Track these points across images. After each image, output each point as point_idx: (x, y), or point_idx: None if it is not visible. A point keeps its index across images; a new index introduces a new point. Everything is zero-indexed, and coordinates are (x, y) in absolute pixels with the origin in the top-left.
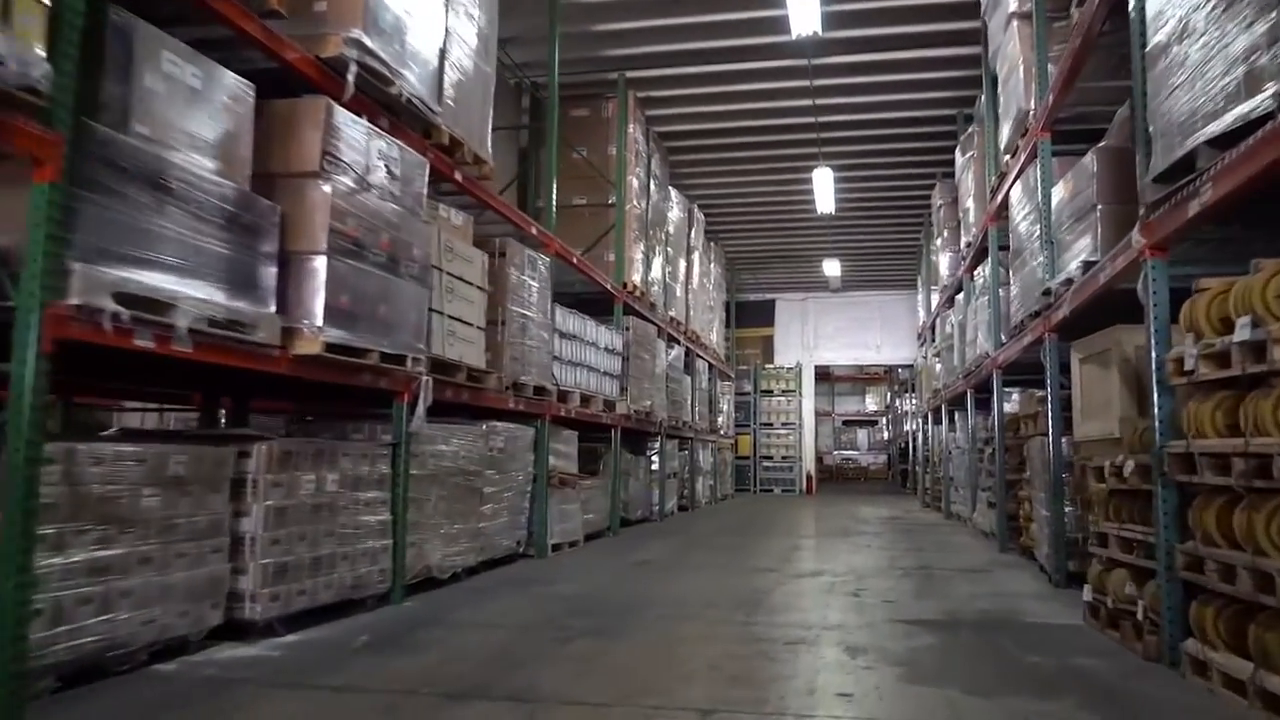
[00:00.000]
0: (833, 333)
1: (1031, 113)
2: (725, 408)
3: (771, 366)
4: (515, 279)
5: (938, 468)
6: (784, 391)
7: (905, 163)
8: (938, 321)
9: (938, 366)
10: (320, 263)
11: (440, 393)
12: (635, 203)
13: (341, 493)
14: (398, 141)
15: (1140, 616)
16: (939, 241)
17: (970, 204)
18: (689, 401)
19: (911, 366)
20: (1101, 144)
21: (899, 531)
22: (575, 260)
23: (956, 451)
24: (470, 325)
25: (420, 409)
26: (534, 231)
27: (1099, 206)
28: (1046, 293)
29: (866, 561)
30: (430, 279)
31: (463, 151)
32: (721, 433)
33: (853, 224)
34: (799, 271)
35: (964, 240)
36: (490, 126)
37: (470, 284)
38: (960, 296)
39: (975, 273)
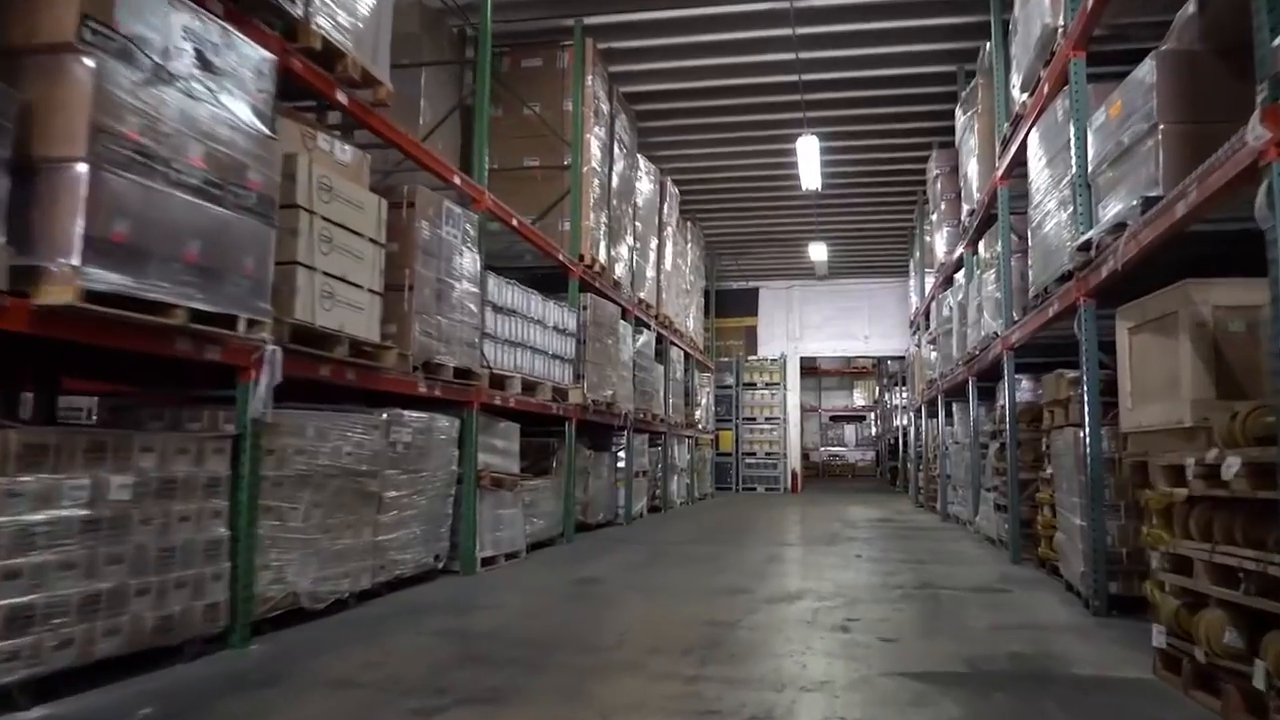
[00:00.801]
0: (819, 322)
1: (1061, 29)
2: (704, 401)
3: (755, 358)
4: (428, 235)
5: (932, 465)
6: (768, 384)
7: (898, 131)
8: (933, 306)
9: (932, 355)
10: (80, 173)
11: (309, 370)
12: (594, 166)
13: (139, 502)
14: (223, 24)
15: (1263, 686)
16: (935, 217)
17: (973, 168)
18: (661, 393)
19: (902, 358)
20: (1163, 47)
21: (893, 537)
22: (515, 223)
23: (955, 447)
24: (358, 287)
25: (262, 389)
26: (457, 182)
27: (1161, 127)
28: (1085, 247)
29: (857, 578)
30: (277, 217)
31: (345, 65)
32: (700, 427)
33: (840, 202)
34: (783, 257)
35: (965, 211)
36: (388, 43)
37: (359, 235)
38: (960, 275)
39: (980, 245)
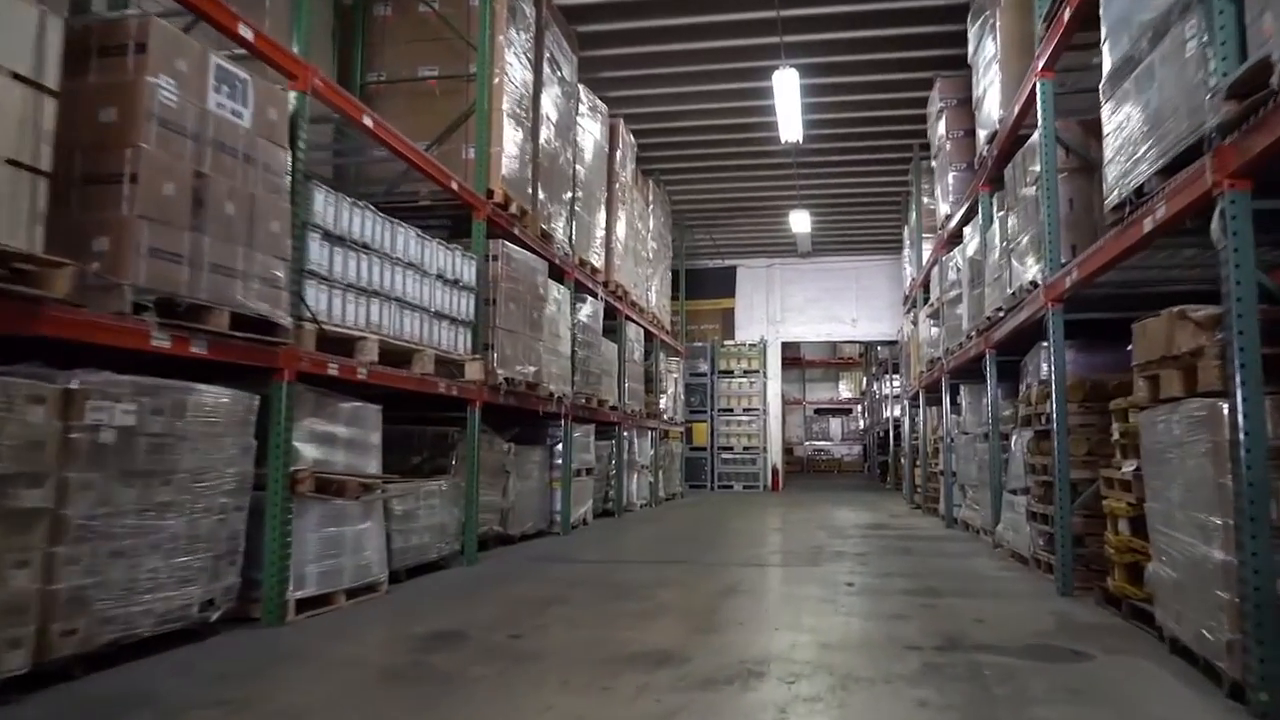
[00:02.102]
0: (802, 304)
1: None
2: (672, 389)
3: (732, 343)
4: (175, 103)
5: (932, 461)
6: (746, 372)
7: (892, 62)
8: (934, 273)
9: (933, 330)
10: None
11: None
12: (512, 81)
13: None
14: None
15: None
16: (936, 165)
17: (994, 82)
18: (615, 376)
19: (894, 342)
20: None
21: (891, 551)
22: (368, 123)
23: (963, 440)
24: None
25: None
26: (247, 35)
27: None
28: (1243, 89)
29: (849, 627)
30: None
31: None
32: (665, 417)
33: (824, 160)
34: (762, 230)
35: (982, 139)
36: None
37: None
38: (969, 230)
39: (1007, 173)
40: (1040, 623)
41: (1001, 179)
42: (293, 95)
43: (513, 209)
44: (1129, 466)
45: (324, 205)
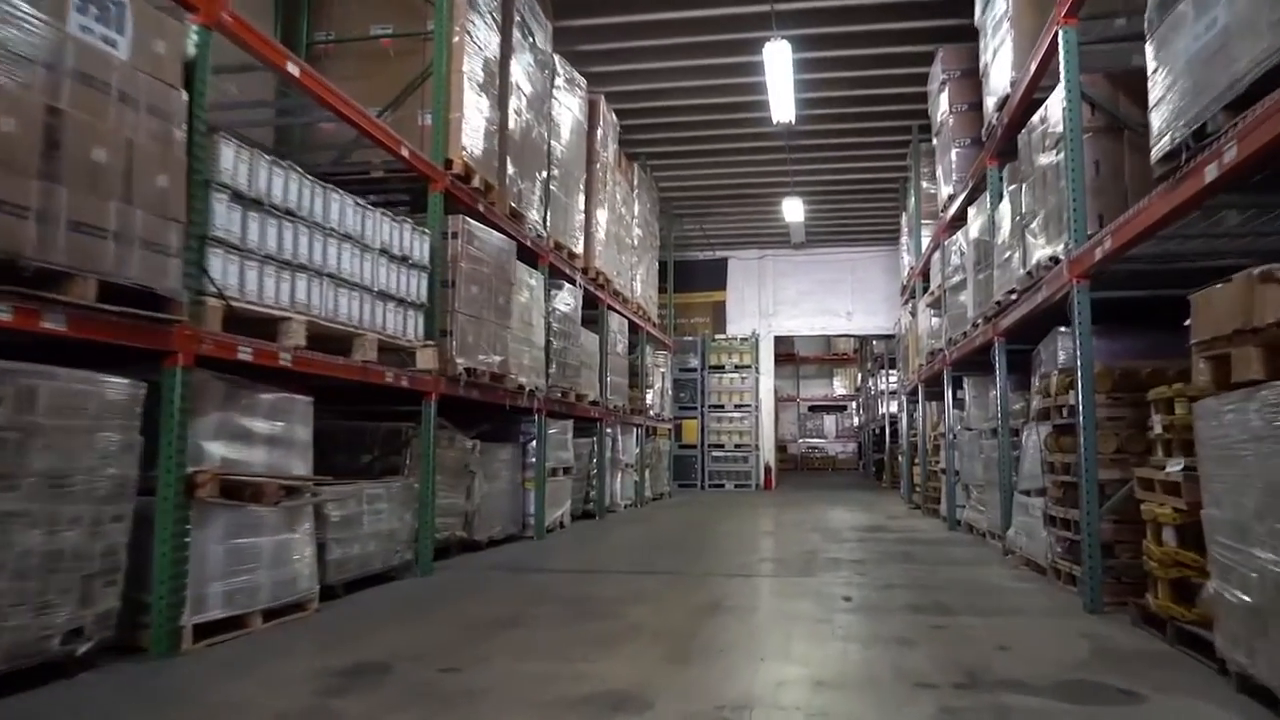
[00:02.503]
0: (795, 297)
1: None
2: (660, 384)
3: (723, 337)
4: (14, 19)
5: (932, 459)
6: (738, 367)
7: (890, 33)
8: (936, 258)
9: (933, 321)
10: None
11: None
12: (474, 40)
13: None
14: None
15: None
16: (939, 143)
17: (1004, 42)
18: (596, 370)
19: (890, 336)
20: None
21: (892, 558)
22: (297, 72)
23: (967, 436)
24: None
25: None
26: None
27: None
28: None
29: (847, 656)
30: None
31: None
32: (653, 414)
33: (818, 143)
34: (754, 220)
35: (991, 107)
36: None
37: None
38: (973, 211)
39: (1022, 140)
40: (1073, 649)
41: (1012, 149)
42: (193, 29)
43: (476, 183)
44: (1175, 466)
45: (235, 162)
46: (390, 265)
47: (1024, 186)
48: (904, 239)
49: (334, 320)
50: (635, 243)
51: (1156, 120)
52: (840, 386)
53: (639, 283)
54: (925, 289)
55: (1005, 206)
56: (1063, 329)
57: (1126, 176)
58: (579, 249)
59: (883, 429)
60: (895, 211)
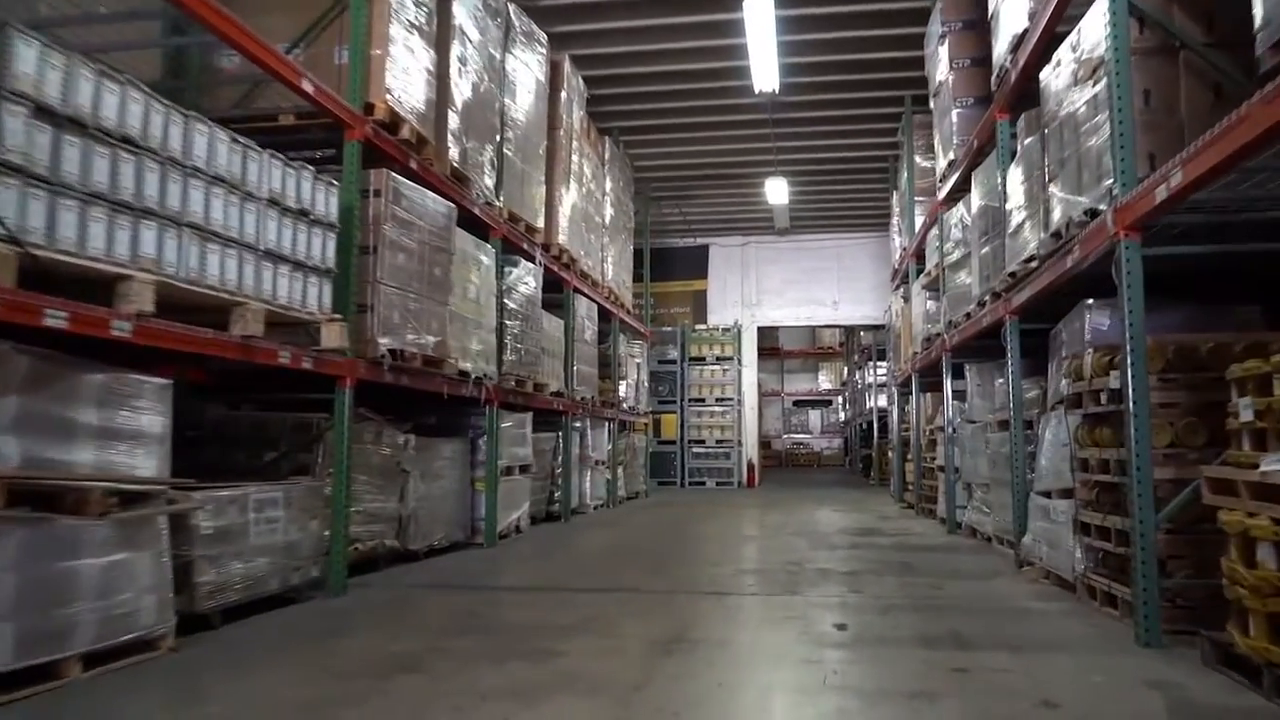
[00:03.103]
0: (780, 286)
1: None
2: (636, 376)
3: (704, 327)
4: None
5: (926, 454)
6: (719, 359)
7: None
8: (932, 235)
9: (929, 305)
10: None
11: None
12: None
13: None
14: None
15: None
16: (936, 103)
17: None
18: (562, 358)
19: (879, 327)
20: None
21: (891, 570)
22: None
23: (969, 429)
24: None
25: None
26: None
27: None
28: None
29: None
30: None
31: None
32: (626, 407)
33: (804, 114)
34: (736, 203)
35: (1000, 51)
36: None
37: None
38: (979, 176)
39: (1044, 77)
40: (1142, 706)
41: (1028, 98)
42: None
43: (406, 134)
44: (1274, 463)
45: (39, 66)
46: (284, 220)
47: (1047, 133)
48: (894, 220)
49: (199, 283)
50: (606, 222)
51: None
52: (826, 381)
53: (610, 265)
54: (919, 272)
55: (1016, 169)
56: (1091, 301)
57: (1183, 107)
58: (539, 223)
59: (870, 424)
60: (884, 194)
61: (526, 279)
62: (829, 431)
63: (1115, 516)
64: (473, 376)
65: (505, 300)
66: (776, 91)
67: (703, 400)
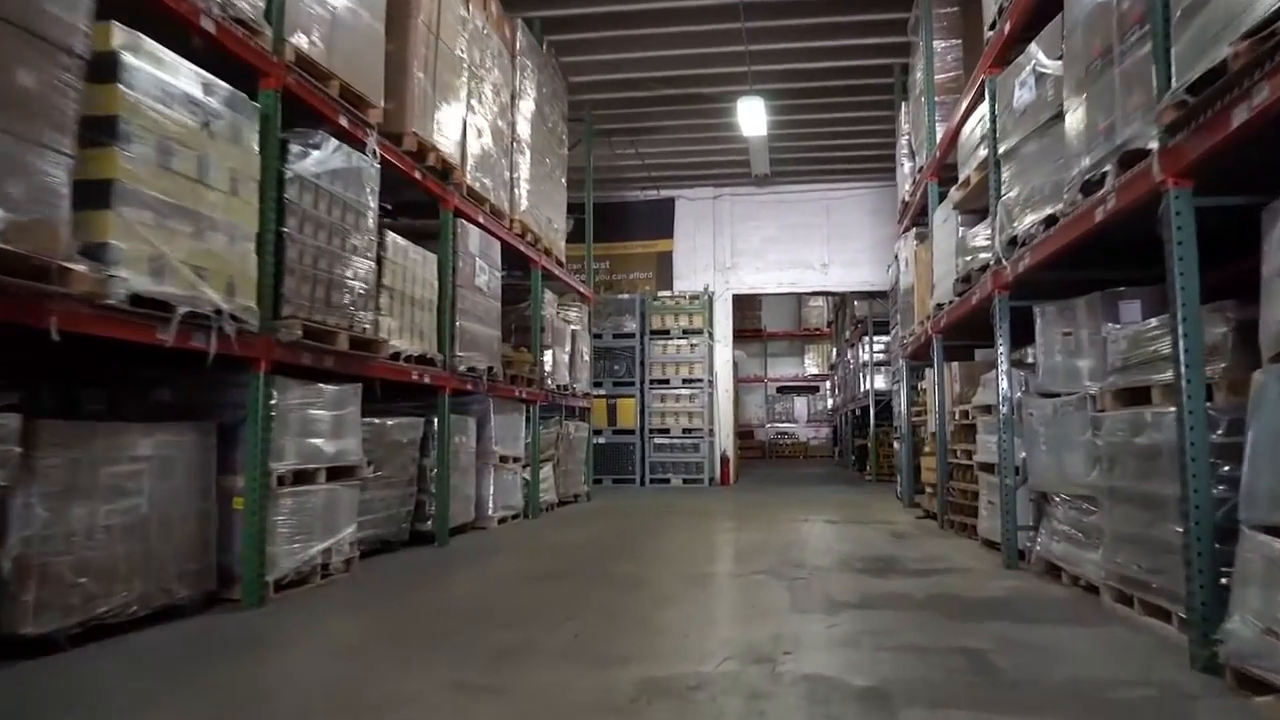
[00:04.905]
0: (759, 246)
1: None
2: (572, 346)
3: (668, 294)
4: None
5: (956, 446)
6: (687, 331)
7: None
8: (971, 127)
9: (964, 233)
10: None
11: None
12: None
13: None
14: None
15: None
16: None
17: None
18: (437, 306)
19: (876, 294)
20: None
21: (955, 677)
22: None
23: (1051, 408)
24: None
25: None
26: None
27: None
28: None
29: None
30: None
31: None
32: (556, 385)
33: (784, 12)
34: (704, 140)
35: None
36: None
37: None
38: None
39: None
40: None
41: None
42: None
43: None
44: None
45: None
46: None
47: None
48: (902, 141)
49: None
50: (525, 142)
51: None
52: (813, 365)
53: (525, 195)
54: (942, 197)
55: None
56: None
57: None
58: (375, 93)
59: (865, 409)
60: (883, 128)
61: (342, 166)
62: (816, 420)
63: None
64: (203, 316)
65: (286, 195)
66: None
67: (667, 381)
